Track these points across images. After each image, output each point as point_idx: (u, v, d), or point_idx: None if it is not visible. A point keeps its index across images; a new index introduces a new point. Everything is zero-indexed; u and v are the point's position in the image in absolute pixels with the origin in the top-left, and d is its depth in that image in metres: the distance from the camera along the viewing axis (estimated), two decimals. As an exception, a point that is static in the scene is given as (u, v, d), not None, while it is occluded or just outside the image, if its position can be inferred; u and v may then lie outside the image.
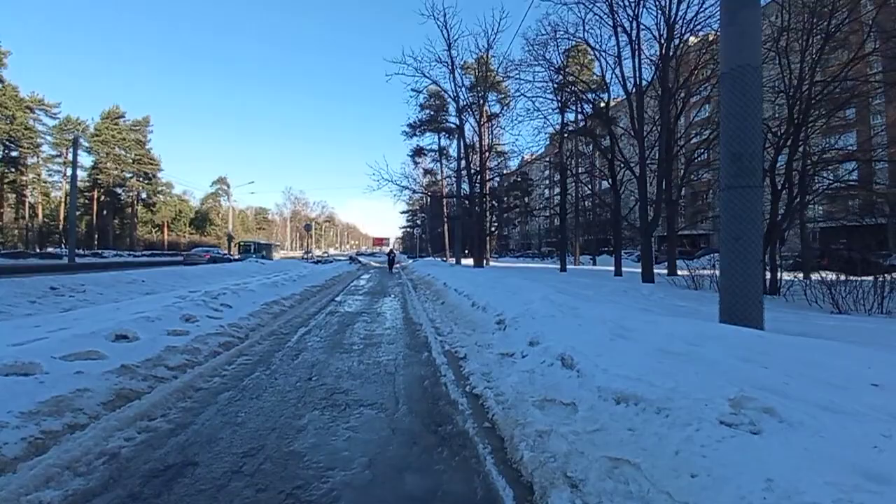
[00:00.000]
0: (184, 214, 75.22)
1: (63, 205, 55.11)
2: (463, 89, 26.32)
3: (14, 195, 47.34)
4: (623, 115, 21.49)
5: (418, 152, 34.22)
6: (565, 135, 21.34)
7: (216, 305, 6.94)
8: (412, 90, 26.33)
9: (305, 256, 53.36)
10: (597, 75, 19.23)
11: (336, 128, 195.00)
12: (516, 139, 32.16)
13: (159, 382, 3.89)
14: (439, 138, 35.61)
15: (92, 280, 9.57)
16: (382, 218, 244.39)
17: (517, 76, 18.37)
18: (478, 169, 25.84)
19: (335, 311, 9.13)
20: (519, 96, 18.97)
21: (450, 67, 24.71)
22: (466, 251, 39.25)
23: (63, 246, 47.44)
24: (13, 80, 43.36)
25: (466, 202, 27.31)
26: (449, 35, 24.01)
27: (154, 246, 61.73)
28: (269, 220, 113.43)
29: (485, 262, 28.53)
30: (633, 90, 13.53)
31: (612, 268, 26.20)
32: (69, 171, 52.91)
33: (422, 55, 28.89)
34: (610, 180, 17.22)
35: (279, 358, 5.12)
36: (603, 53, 15.57)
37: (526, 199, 54.49)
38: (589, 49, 17.42)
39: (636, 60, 13.10)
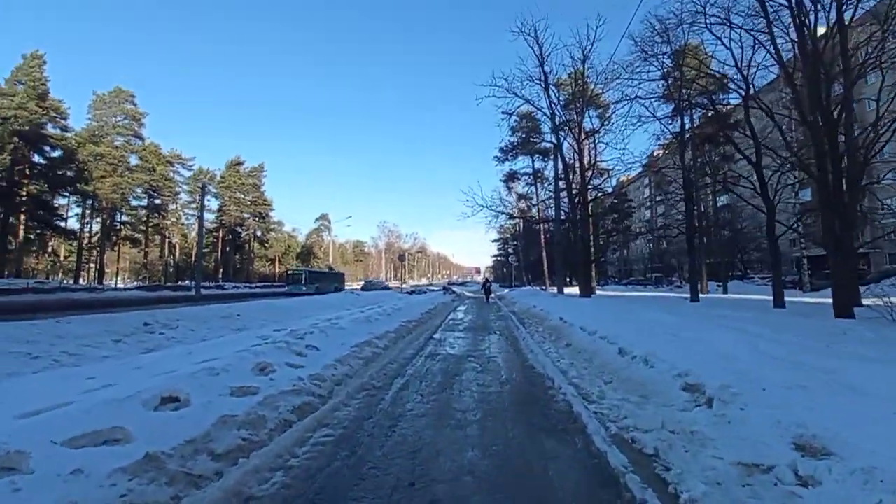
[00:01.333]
0: (292, 249, 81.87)
1: (197, 244, 63.01)
2: (558, 106, 24.54)
3: (158, 237, 54.86)
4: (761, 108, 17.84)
5: (511, 177, 32.81)
6: (687, 138, 18.29)
7: (300, 348, 5.79)
8: (503, 112, 25.15)
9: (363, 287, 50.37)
10: (716, 71, 16.17)
11: (427, 159, 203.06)
12: (623, 153, 28.99)
13: (191, 487, 2.55)
14: (533, 161, 33.95)
15: (189, 315, 9.29)
16: (472, 247, 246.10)
17: (629, 77, 16.12)
18: (579, 189, 23.47)
19: (436, 353, 7.61)
20: (628, 101, 16.62)
21: (543, 83, 23.21)
22: (568, 279, 36.27)
23: (186, 279, 53.63)
24: (156, 138, 51.14)
25: (568, 225, 24.93)
26: (541, 50, 22.65)
27: (267, 278, 67.46)
28: (365, 253, 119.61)
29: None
30: (797, 68, 10.56)
31: (755, 296, 21.65)
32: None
33: (512, 75, 27.76)
34: (759, 187, 13.95)
35: (368, 433, 3.62)
36: (742, 32, 12.77)
37: (626, 223, 49.95)
38: (715, 37, 14.58)
39: (803, 32, 10.15)
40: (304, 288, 37.15)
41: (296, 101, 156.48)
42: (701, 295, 24.04)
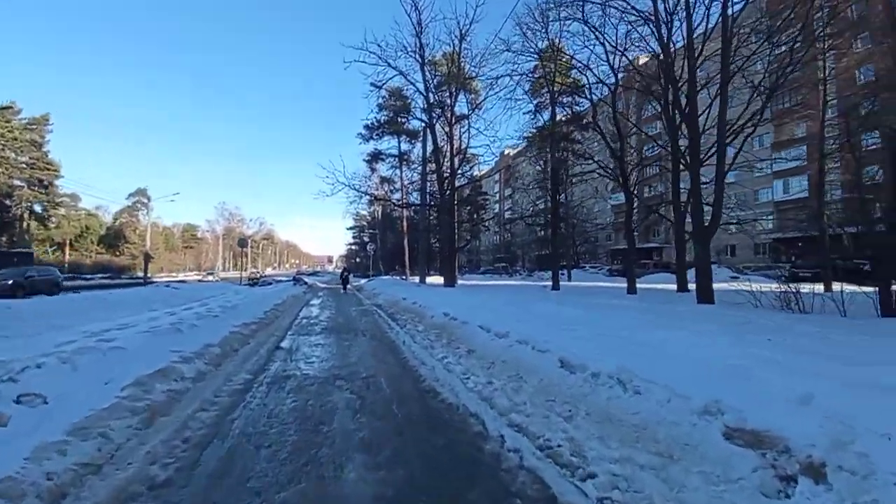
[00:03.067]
0: (91, 231, 65.12)
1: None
2: (432, 83, 23.08)
3: None
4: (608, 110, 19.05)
5: (376, 157, 30.33)
6: (554, 130, 18.56)
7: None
8: (372, 85, 22.53)
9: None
10: (584, 64, 16.65)
11: (279, 137, 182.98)
12: (492, 140, 29.28)
13: None
14: (399, 143, 31.92)
15: None
16: (324, 236, 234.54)
17: (512, 54, 15.41)
18: (448, 173, 22.40)
19: (285, 375, 5.09)
20: (507, 77, 15.96)
21: (419, 56, 21.42)
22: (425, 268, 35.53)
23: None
24: None
25: (435, 210, 23.76)
26: (420, 17, 20.80)
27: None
28: (198, 238, 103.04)
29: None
30: (675, 54, 10.77)
31: (600, 283, 23.63)
32: (-66, 179, 42.96)
33: (386, 42, 23.97)
34: (619, 181, 14.51)
35: None
36: (617, 25, 12.89)
37: (482, 213, 52.04)
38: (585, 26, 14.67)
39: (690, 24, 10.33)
40: None
41: (113, 54, 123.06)
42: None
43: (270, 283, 32.41)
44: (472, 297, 12.48)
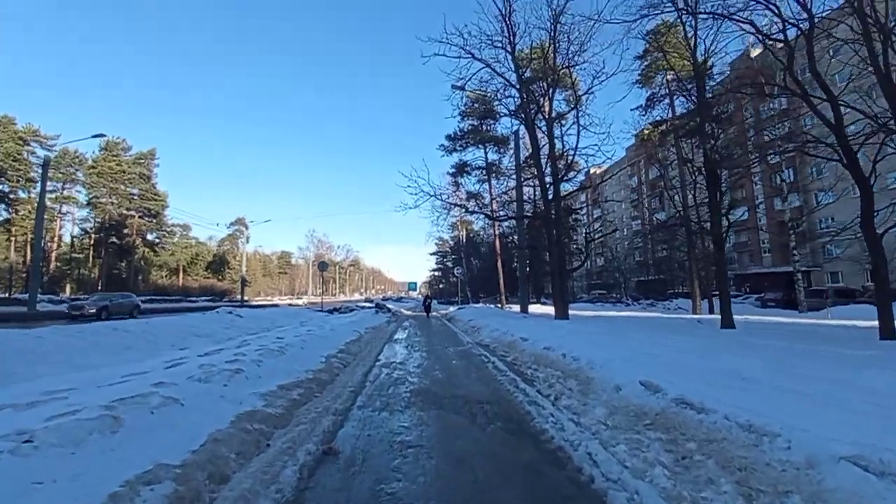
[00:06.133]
0: (201, 258, 70.49)
1: (72, 246, 50.49)
2: (524, 73, 19.44)
3: (16, 237, 42.22)
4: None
5: (461, 169, 27.22)
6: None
7: None
8: (453, 87, 19.40)
9: None
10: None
11: (362, 168, 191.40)
12: (605, 136, 24.20)
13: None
14: (486, 152, 28.61)
15: None
16: (408, 263, 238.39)
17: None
18: (553, 181, 18.27)
19: None
20: (619, 62, 11.75)
21: (509, 41, 17.94)
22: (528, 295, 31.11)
23: (59, 292, 42.00)
24: (12, 112, 39.57)
25: (535, 222, 19.71)
26: (510, -5, 17.40)
27: (164, 291, 55.95)
28: (292, 264, 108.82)
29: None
30: None
31: (776, 319, 17.46)
32: (73, 210, 48.52)
33: (468, 32, 19.71)
34: (843, 158, 9.40)
35: None
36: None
37: (573, 236, 46.58)
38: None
39: None
40: None
41: (220, 92, 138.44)
42: (705, 316, 19.74)
43: (353, 310, 30.18)
44: (628, 339, 8.12)
